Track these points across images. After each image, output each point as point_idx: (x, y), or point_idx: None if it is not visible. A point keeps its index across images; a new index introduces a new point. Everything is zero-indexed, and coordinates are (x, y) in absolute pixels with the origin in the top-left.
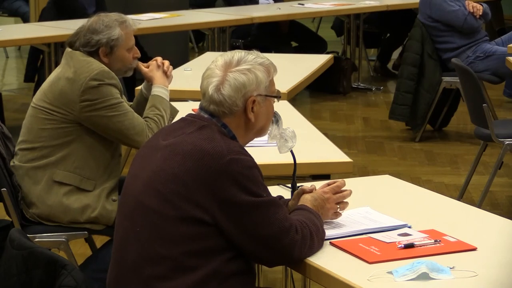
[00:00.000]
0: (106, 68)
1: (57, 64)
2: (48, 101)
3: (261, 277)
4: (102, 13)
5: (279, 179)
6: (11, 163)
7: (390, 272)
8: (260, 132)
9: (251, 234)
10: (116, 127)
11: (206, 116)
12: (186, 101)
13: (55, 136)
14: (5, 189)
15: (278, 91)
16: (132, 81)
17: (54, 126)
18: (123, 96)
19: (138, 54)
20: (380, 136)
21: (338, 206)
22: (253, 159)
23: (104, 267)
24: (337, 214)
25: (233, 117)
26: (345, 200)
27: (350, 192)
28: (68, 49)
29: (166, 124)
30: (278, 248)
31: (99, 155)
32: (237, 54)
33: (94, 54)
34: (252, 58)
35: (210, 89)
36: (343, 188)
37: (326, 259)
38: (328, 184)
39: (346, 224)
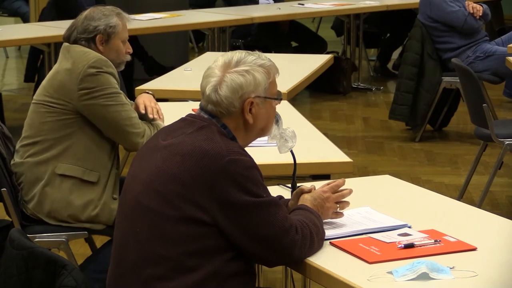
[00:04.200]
0: (104, 57)
1: None
2: (48, 95)
3: (261, 277)
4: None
5: (279, 179)
6: (12, 162)
7: (390, 272)
8: (261, 133)
9: (251, 234)
10: (112, 116)
11: (206, 116)
12: (186, 101)
13: (56, 128)
14: (5, 189)
15: (279, 92)
16: (130, 81)
17: (54, 118)
18: (122, 92)
19: (130, 49)
20: (380, 136)
21: (338, 205)
22: (252, 159)
23: (104, 267)
24: (337, 214)
25: (231, 117)
26: (345, 199)
27: (350, 191)
28: (64, 44)
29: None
30: (278, 248)
31: (101, 146)
32: (237, 54)
33: (91, 41)
34: (252, 59)
35: (208, 89)
36: (342, 187)
37: (326, 259)
38: (328, 184)
39: (346, 224)
